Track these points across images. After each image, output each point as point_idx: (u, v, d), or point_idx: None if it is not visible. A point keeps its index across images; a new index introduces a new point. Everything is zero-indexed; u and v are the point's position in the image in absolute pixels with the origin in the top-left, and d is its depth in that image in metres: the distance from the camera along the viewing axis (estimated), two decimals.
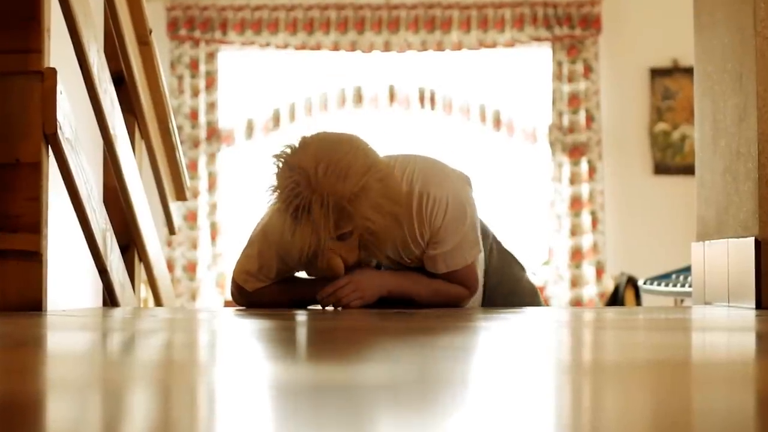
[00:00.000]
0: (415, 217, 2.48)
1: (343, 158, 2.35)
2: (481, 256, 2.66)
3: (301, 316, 2.32)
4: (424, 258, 2.53)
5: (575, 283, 7.58)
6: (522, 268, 2.79)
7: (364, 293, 2.51)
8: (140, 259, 3.44)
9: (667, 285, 4.66)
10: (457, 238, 2.50)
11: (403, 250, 2.53)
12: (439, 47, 7.69)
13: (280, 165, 2.38)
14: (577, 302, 7.52)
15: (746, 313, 2.40)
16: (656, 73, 7.70)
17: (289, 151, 2.40)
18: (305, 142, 2.42)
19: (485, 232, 2.72)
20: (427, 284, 2.56)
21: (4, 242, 2.47)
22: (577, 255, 7.61)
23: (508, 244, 2.80)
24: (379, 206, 2.36)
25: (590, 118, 7.67)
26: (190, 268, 7.63)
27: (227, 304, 7.52)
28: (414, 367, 1.15)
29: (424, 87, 7.66)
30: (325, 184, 2.31)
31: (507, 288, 2.73)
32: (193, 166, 7.64)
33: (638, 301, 6.55)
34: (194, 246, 7.64)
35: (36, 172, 2.48)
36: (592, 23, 7.70)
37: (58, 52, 2.62)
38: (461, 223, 2.50)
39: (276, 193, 2.39)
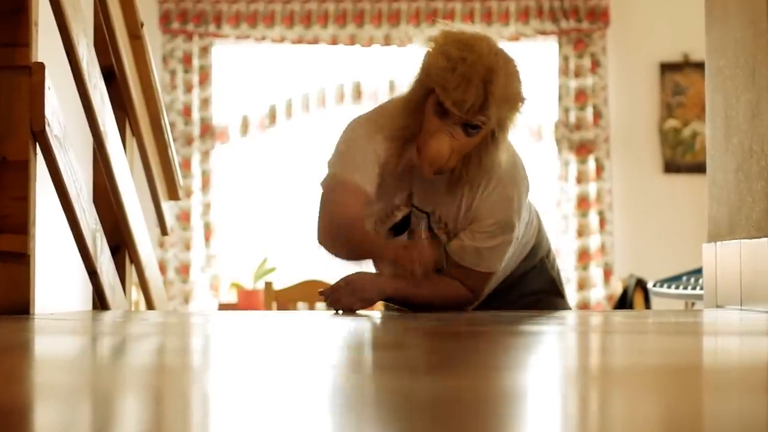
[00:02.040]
0: (484, 186, 2.45)
1: (516, 63, 2.35)
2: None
3: (301, 318, 2.32)
4: (453, 244, 2.52)
5: (582, 285, 7.58)
6: (558, 294, 2.79)
7: (363, 295, 2.50)
8: (131, 261, 3.44)
9: (677, 287, 4.66)
10: (495, 242, 2.50)
11: (450, 210, 2.48)
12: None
13: (441, 37, 2.33)
14: (584, 305, 7.52)
15: (759, 317, 2.40)
16: (666, 68, 7.70)
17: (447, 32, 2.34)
18: (476, 34, 2.38)
19: (537, 250, 2.72)
20: (429, 287, 2.55)
21: None
22: (584, 256, 7.61)
23: (556, 269, 2.80)
24: (509, 144, 2.35)
25: (598, 115, 7.67)
26: (183, 270, 7.63)
27: (221, 307, 7.52)
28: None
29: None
30: (504, 65, 2.28)
31: (525, 303, 2.73)
32: (186, 165, 7.64)
33: (647, 304, 6.55)
34: (187, 247, 7.64)
35: (23, 171, 2.48)
36: (599, 16, 7.70)
37: (46, 46, 2.62)
38: (507, 231, 2.50)
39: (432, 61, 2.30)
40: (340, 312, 2.52)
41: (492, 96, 2.25)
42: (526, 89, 2.36)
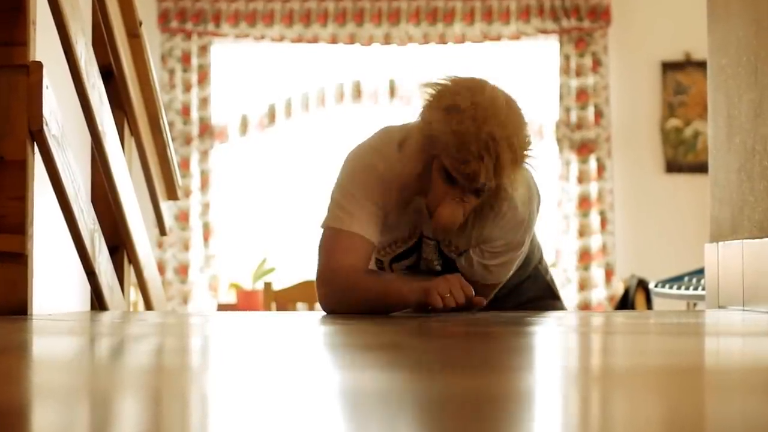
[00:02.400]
0: (495, 213, 2.44)
1: (519, 109, 2.29)
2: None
3: (300, 319, 2.32)
4: (463, 260, 2.50)
5: (583, 285, 7.58)
6: (554, 297, 2.80)
7: (467, 292, 2.37)
8: (130, 261, 3.44)
9: (679, 288, 4.66)
10: (504, 259, 2.51)
11: (460, 235, 2.47)
12: (442, 40, 7.69)
13: (443, 96, 2.25)
14: (585, 306, 7.52)
15: (762, 318, 2.40)
16: (668, 67, 7.70)
17: (447, 87, 2.25)
18: (469, 83, 2.27)
19: (531, 258, 2.73)
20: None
21: None
22: (585, 257, 7.61)
23: (549, 273, 2.81)
24: (519, 181, 2.33)
25: (599, 114, 7.67)
26: (182, 271, 7.63)
27: (220, 307, 7.52)
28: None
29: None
30: (511, 131, 2.22)
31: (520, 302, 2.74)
32: (184, 164, 7.64)
33: (649, 304, 6.55)
34: (186, 247, 7.64)
35: (21, 171, 2.48)
36: (601, 15, 7.70)
37: (44, 44, 2.62)
38: (516, 248, 2.50)
39: (440, 117, 2.22)
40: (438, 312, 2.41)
41: (503, 166, 2.23)
42: (529, 131, 2.33)
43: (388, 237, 2.51)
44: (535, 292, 2.75)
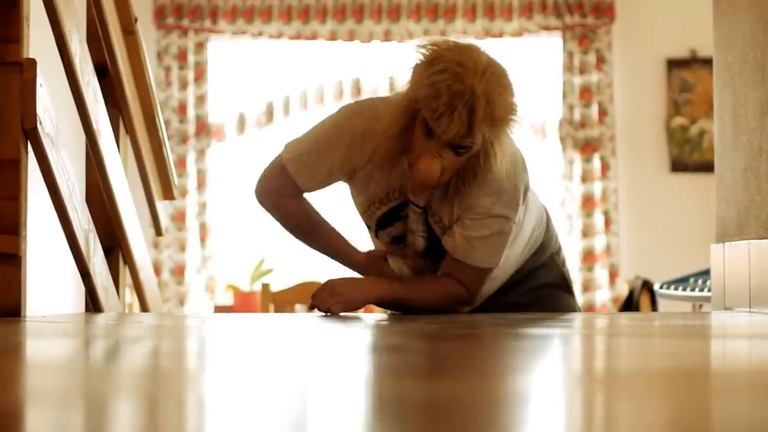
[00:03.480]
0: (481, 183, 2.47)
1: (506, 75, 2.35)
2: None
3: (298, 320, 2.32)
4: (446, 236, 2.53)
5: (587, 287, 7.58)
6: (567, 291, 2.80)
7: (345, 298, 2.53)
8: (125, 262, 3.45)
9: (684, 289, 4.66)
10: (486, 233, 2.50)
11: (445, 205, 2.51)
12: (443, 36, 7.68)
13: (430, 54, 2.33)
14: (589, 308, 7.52)
15: None
16: (673, 64, 7.70)
17: (437, 47, 2.34)
18: (459, 45, 2.36)
19: (546, 246, 2.73)
20: (421, 289, 2.57)
21: None
22: (589, 257, 7.61)
23: (566, 267, 2.82)
24: (506, 144, 2.36)
25: (603, 112, 7.67)
26: (178, 272, 7.63)
27: (217, 309, 7.53)
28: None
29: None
30: (489, 88, 2.28)
31: (529, 299, 2.74)
32: (181, 163, 7.64)
33: (654, 306, 6.55)
34: (182, 248, 7.64)
35: (14, 170, 2.48)
36: (605, 11, 7.70)
37: (37, 41, 2.62)
38: (499, 222, 2.50)
39: (424, 77, 2.31)
40: (328, 313, 2.55)
41: (477, 121, 2.27)
42: (519, 99, 2.35)
43: (373, 193, 2.53)
44: (547, 279, 2.75)
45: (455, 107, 2.26)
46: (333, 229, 2.68)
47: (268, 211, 2.68)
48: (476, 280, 2.56)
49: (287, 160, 2.57)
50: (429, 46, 2.36)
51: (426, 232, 2.55)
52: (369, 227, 2.65)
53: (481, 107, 2.26)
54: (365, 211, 2.60)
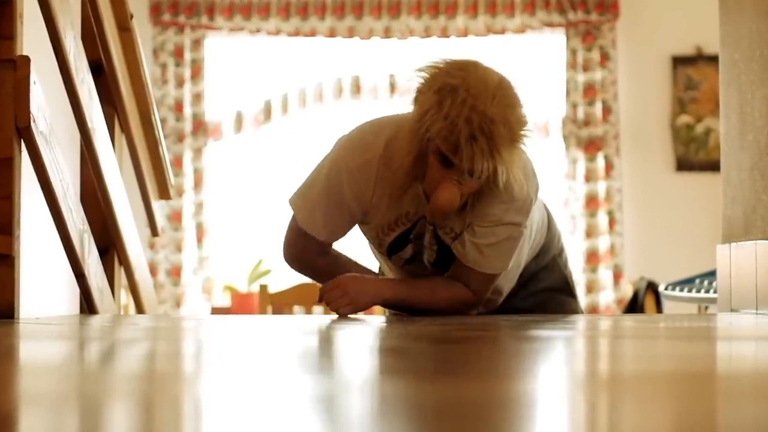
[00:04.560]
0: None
1: (513, 89, 2.34)
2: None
3: (297, 322, 2.32)
4: (456, 243, 2.53)
5: (591, 288, 7.59)
6: (570, 294, 2.80)
7: (355, 300, 2.52)
8: (120, 263, 3.45)
9: (690, 291, 4.66)
10: (496, 239, 2.49)
11: (458, 219, 2.51)
12: (444, 33, 7.69)
13: (435, 80, 2.31)
14: (593, 309, 7.52)
15: None
16: (678, 62, 7.70)
17: (439, 71, 2.32)
18: (462, 66, 2.33)
19: (548, 248, 2.74)
20: (429, 291, 2.56)
21: None
22: (592, 258, 7.61)
23: (569, 269, 2.82)
24: (519, 156, 2.36)
25: (607, 110, 7.67)
26: (174, 273, 7.63)
27: (214, 311, 7.53)
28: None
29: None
30: (503, 110, 2.27)
31: (532, 303, 2.74)
32: (177, 162, 7.64)
33: (659, 307, 6.55)
34: (179, 248, 7.64)
35: (7, 169, 2.48)
36: (609, 7, 7.70)
37: (31, 38, 2.62)
38: (509, 229, 2.49)
39: (430, 105, 2.29)
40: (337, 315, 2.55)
41: (498, 147, 2.27)
42: (526, 108, 2.36)
43: (383, 221, 2.53)
44: (550, 283, 2.75)
45: (475, 138, 2.25)
46: (356, 263, 2.70)
47: (300, 272, 2.71)
48: (484, 285, 2.56)
49: (303, 223, 2.57)
50: (431, 70, 2.34)
51: (436, 244, 2.55)
52: (381, 254, 2.65)
53: (499, 133, 2.26)
54: (375, 239, 2.59)
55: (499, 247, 2.50)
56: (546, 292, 2.75)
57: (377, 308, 6.53)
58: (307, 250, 2.60)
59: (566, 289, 2.79)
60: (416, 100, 2.34)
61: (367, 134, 2.49)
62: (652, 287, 6.64)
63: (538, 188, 2.54)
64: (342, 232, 2.59)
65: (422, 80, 2.34)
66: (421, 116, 2.31)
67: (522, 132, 2.32)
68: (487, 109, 2.25)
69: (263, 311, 4.85)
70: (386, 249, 2.58)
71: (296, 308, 5.11)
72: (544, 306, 2.74)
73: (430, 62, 2.36)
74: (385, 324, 2.39)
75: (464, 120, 2.24)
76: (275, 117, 7.70)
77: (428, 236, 2.54)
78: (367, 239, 2.64)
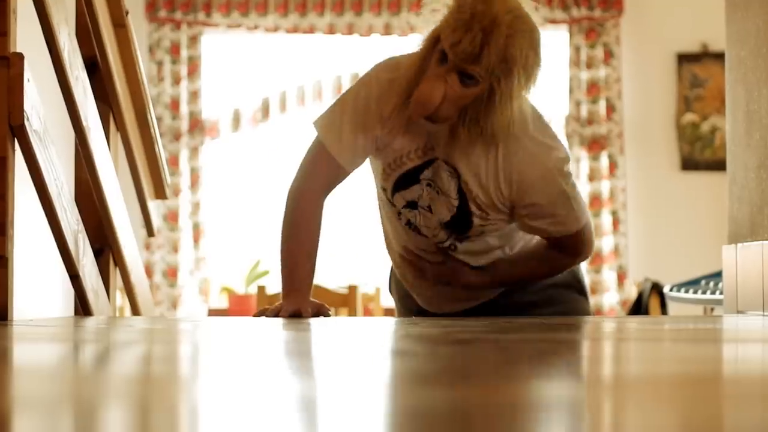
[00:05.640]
0: (504, 156, 2.46)
1: (534, 31, 2.39)
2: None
3: (296, 324, 2.32)
4: (523, 225, 2.54)
5: (595, 289, 7.59)
6: (581, 293, 2.80)
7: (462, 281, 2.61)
8: (116, 264, 3.45)
9: (695, 292, 4.66)
10: (563, 211, 2.48)
11: (481, 186, 2.50)
12: None
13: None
14: (597, 311, 7.52)
15: None
16: (684, 59, 7.70)
17: None
18: None
19: None
20: (530, 273, 2.64)
21: None
22: (596, 259, 7.61)
23: (580, 267, 2.83)
24: (520, 85, 2.37)
25: (611, 109, 7.67)
26: (171, 274, 7.63)
27: (211, 312, 7.53)
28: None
29: None
30: (512, 26, 2.32)
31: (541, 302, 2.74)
32: (173, 161, 7.64)
33: (664, 309, 6.55)
34: (175, 249, 7.64)
35: (1, 168, 2.48)
36: (613, 4, 7.70)
37: (25, 35, 2.62)
38: (563, 198, 2.48)
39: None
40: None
41: (488, 47, 2.29)
42: (539, 59, 2.38)
43: (397, 149, 2.55)
44: (560, 279, 2.73)
45: (471, 26, 2.30)
46: (313, 269, 2.68)
47: (290, 212, 2.64)
48: (578, 243, 2.56)
49: (325, 140, 2.57)
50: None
51: (458, 199, 2.53)
52: (384, 190, 2.63)
53: (496, 37, 2.30)
54: (385, 170, 2.59)
55: (568, 209, 2.49)
56: (555, 288, 2.74)
57: (377, 309, 6.51)
58: (317, 183, 2.59)
59: (577, 286, 2.78)
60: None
61: (403, 57, 2.55)
62: (656, 288, 6.64)
63: (568, 155, 2.54)
64: (361, 156, 2.57)
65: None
66: (437, 22, 2.40)
67: (523, 64, 2.34)
68: (496, 11, 2.31)
69: None
70: (392, 184, 2.58)
71: None
72: (552, 302, 2.73)
73: None
74: (388, 326, 2.39)
75: (469, 5, 2.32)
76: (273, 115, 7.70)
77: (445, 175, 2.51)
78: (377, 175, 2.64)
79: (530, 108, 2.48)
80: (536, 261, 2.61)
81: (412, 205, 2.57)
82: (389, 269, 2.88)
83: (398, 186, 2.57)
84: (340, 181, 2.62)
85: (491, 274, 2.62)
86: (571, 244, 2.55)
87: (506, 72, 2.33)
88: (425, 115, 2.41)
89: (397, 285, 2.85)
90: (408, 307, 2.81)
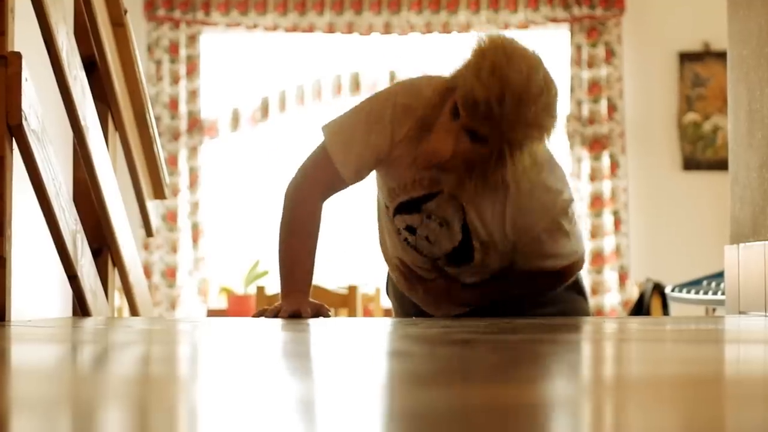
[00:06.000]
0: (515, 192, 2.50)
1: (553, 96, 2.40)
2: None
3: (295, 325, 2.32)
4: (521, 258, 2.58)
5: (596, 290, 7.59)
6: (580, 293, 2.81)
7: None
8: (114, 264, 3.45)
9: (697, 292, 4.66)
10: (558, 244, 2.56)
11: (483, 215, 2.53)
12: (445, 29, 7.69)
13: (485, 45, 2.38)
14: (598, 311, 7.52)
15: None
16: (685, 58, 7.70)
17: (494, 42, 2.39)
18: (519, 47, 2.42)
19: None
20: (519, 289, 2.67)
21: None
22: (597, 259, 7.61)
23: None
24: (534, 143, 2.38)
25: (612, 108, 7.67)
26: (169, 274, 7.63)
27: (210, 313, 7.53)
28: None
29: (429, 73, 7.65)
30: (528, 96, 2.32)
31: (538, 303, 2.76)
32: (172, 161, 7.64)
33: (665, 310, 6.55)
34: (174, 249, 7.64)
35: None
36: (614, 2, 7.70)
37: (23, 34, 2.62)
38: (559, 232, 2.55)
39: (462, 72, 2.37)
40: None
41: (501, 114, 2.30)
42: (555, 117, 2.39)
43: (404, 175, 2.56)
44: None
45: (487, 92, 2.30)
46: (312, 269, 2.68)
47: (288, 211, 2.64)
48: (576, 268, 2.65)
49: (332, 149, 2.56)
50: (492, 39, 2.41)
51: (462, 233, 2.56)
52: (387, 207, 2.65)
53: (510, 105, 2.30)
54: (390, 192, 2.60)
55: (561, 244, 2.56)
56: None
57: (377, 309, 6.51)
58: (317, 185, 2.59)
59: (576, 287, 2.79)
60: (463, 61, 2.41)
61: (425, 84, 2.54)
62: (658, 289, 6.64)
63: (574, 204, 2.59)
64: (364, 173, 2.58)
65: (476, 45, 2.40)
66: (456, 75, 2.39)
67: (535, 132, 2.34)
68: (513, 82, 2.31)
69: None
70: (395, 206, 2.59)
71: None
72: (552, 302, 2.74)
73: (491, 33, 2.43)
74: (387, 326, 2.39)
75: (488, 73, 2.31)
76: (273, 114, 7.70)
77: (450, 209, 2.53)
78: (382, 191, 2.64)
79: (544, 151, 2.48)
80: (527, 279, 2.64)
81: (412, 230, 2.61)
82: (387, 271, 2.89)
83: (400, 209, 2.60)
84: (339, 191, 2.62)
85: (482, 291, 2.66)
86: (565, 271, 2.63)
87: (518, 136, 2.34)
88: (431, 164, 2.44)
89: (394, 286, 2.86)
90: (406, 310, 2.82)
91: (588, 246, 7.60)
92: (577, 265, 2.64)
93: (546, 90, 2.38)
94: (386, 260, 2.80)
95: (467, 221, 2.54)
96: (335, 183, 2.59)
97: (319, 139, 2.61)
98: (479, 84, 2.30)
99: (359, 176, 2.58)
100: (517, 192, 2.48)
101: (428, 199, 2.55)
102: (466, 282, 2.65)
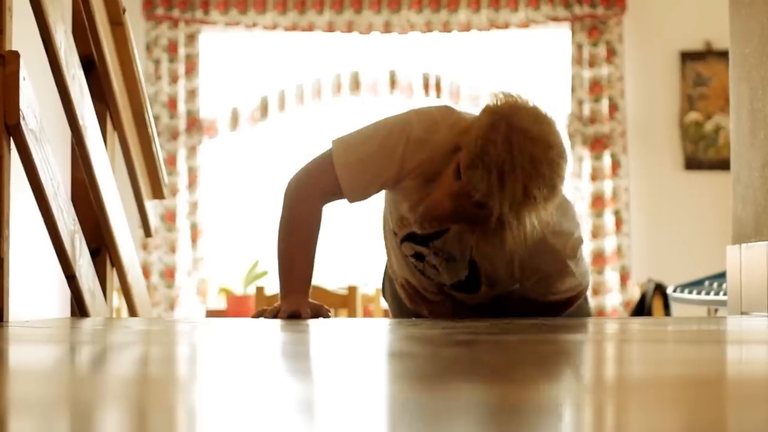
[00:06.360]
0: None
1: (560, 167, 2.35)
2: None
3: (294, 326, 2.32)
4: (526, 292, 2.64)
5: (597, 290, 7.59)
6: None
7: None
8: (113, 264, 3.45)
9: (699, 293, 4.66)
10: (562, 278, 2.60)
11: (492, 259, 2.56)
12: (446, 28, 7.69)
13: (501, 109, 2.36)
14: (599, 312, 7.52)
15: None
16: (687, 57, 7.70)
17: (512, 105, 2.36)
18: (535, 115, 2.36)
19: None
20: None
21: None
22: (599, 259, 7.61)
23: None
24: (532, 231, 2.38)
25: (614, 107, 7.67)
26: (168, 274, 7.63)
27: (209, 313, 7.53)
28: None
29: (429, 72, 7.67)
30: (532, 173, 2.29)
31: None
32: (171, 161, 7.64)
33: (667, 310, 6.55)
34: (173, 249, 7.64)
35: None
36: (615, 1, 7.70)
37: (21, 33, 2.62)
38: (565, 272, 2.59)
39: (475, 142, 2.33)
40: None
41: (502, 191, 2.29)
42: (560, 187, 2.38)
43: (412, 209, 2.55)
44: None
45: (490, 168, 2.27)
46: (311, 269, 2.67)
47: (288, 210, 2.63)
48: (580, 297, 2.70)
49: (338, 166, 2.54)
50: (506, 101, 2.37)
51: (468, 270, 2.59)
52: (395, 233, 2.66)
53: (513, 183, 2.28)
54: (401, 220, 2.61)
55: (566, 281, 2.63)
56: None
57: (377, 310, 6.51)
58: (318, 189, 2.59)
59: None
60: (479, 115, 2.39)
61: (441, 119, 2.51)
62: (660, 289, 6.64)
63: (581, 237, 2.60)
64: (365, 196, 2.57)
65: (496, 100, 2.37)
66: (467, 129, 2.35)
67: (539, 204, 2.33)
68: (519, 158, 2.27)
69: None
70: (403, 235, 2.60)
71: None
72: (555, 305, 2.75)
73: (510, 92, 2.39)
74: (386, 327, 2.39)
75: (493, 146, 2.28)
76: (272, 114, 7.70)
77: (458, 246, 2.55)
78: (392, 217, 2.64)
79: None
80: (532, 305, 2.68)
81: (419, 257, 2.62)
82: (383, 272, 2.90)
83: (408, 238, 2.61)
84: (337, 199, 2.61)
85: (486, 311, 2.70)
86: (569, 300, 2.68)
87: (520, 211, 2.33)
88: (430, 220, 2.45)
89: (391, 287, 2.87)
90: (403, 311, 2.83)
91: (589, 246, 7.60)
92: (581, 294, 2.68)
93: (554, 166, 2.34)
94: (392, 276, 2.82)
95: (474, 258, 2.56)
96: (336, 194, 2.58)
97: (326, 145, 2.60)
98: (483, 155, 2.28)
99: (362, 198, 2.58)
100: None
101: (435, 237, 2.57)
102: (472, 305, 2.68)
